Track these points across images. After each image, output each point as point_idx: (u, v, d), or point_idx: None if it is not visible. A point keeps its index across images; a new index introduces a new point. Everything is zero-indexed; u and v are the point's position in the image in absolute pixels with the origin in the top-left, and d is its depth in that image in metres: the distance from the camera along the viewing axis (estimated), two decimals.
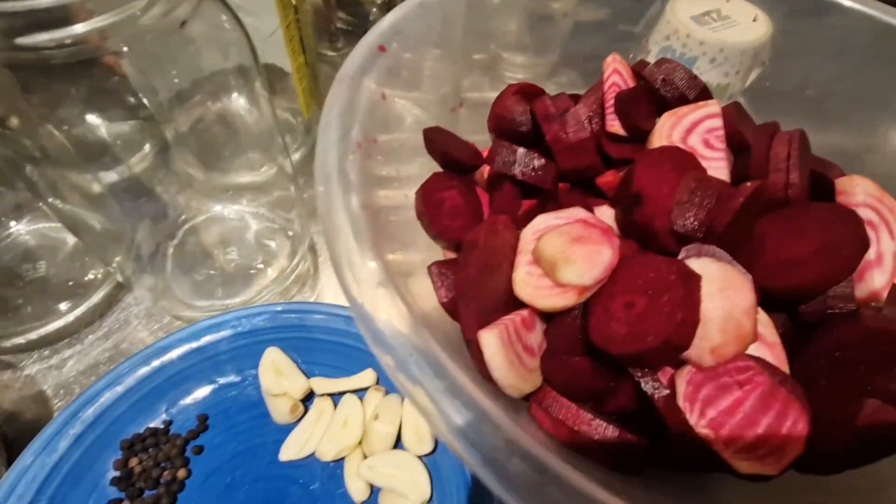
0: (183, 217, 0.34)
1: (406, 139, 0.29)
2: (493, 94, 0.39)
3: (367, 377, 0.27)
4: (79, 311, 0.31)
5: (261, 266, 0.33)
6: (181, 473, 0.24)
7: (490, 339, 0.20)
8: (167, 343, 0.27)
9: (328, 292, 0.34)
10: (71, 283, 0.32)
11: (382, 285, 0.17)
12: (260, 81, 0.27)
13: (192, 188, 0.35)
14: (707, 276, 0.21)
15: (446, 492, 0.24)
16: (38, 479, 0.23)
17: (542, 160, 0.26)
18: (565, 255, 0.22)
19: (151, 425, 0.26)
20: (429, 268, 0.24)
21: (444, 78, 0.35)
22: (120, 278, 0.30)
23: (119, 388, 0.26)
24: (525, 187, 0.27)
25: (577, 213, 0.25)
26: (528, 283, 0.23)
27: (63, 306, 0.31)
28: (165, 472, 0.24)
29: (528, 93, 0.31)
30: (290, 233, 0.34)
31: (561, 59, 0.42)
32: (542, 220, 0.25)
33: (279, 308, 0.29)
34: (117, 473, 0.24)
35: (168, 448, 0.25)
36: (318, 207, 0.18)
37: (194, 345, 0.28)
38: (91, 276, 0.32)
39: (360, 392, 0.27)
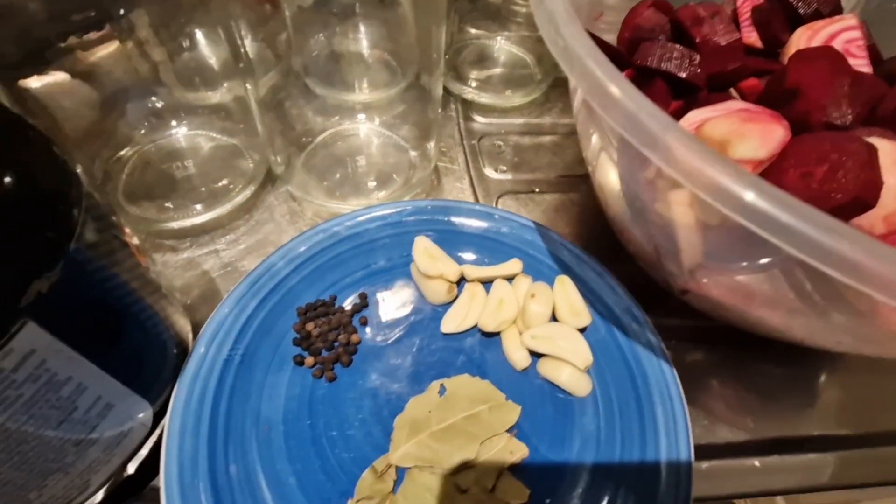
0: (320, 127, 0.36)
1: None
2: None
3: (514, 266, 0.29)
4: (227, 207, 0.33)
5: (387, 177, 0.35)
6: (354, 338, 0.26)
7: None
8: (327, 226, 0.29)
9: None
10: (215, 184, 0.33)
11: None
12: None
13: (327, 103, 0.37)
14: (880, 149, 0.22)
15: (602, 363, 0.26)
16: (234, 330, 0.25)
17: (698, 57, 0.27)
18: (739, 132, 0.23)
19: (320, 297, 0.27)
20: None
21: None
22: (279, 170, 0.32)
23: (290, 264, 0.28)
24: (674, 86, 0.28)
25: (735, 104, 0.26)
26: None
27: (211, 201, 0.32)
28: (340, 336, 0.26)
29: (662, 6, 0.32)
30: (427, 144, 0.35)
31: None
32: (696, 114, 0.26)
33: (425, 203, 0.31)
34: (297, 335, 0.26)
35: (339, 317, 0.27)
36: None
37: (350, 231, 0.29)
38: (224, 182, 0.34)
39: (508, 280, 0.29)
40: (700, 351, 0.30)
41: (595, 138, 0.28)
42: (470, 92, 0.43)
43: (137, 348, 0.20)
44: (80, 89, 0.34)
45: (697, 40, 0.28)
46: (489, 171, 0.38)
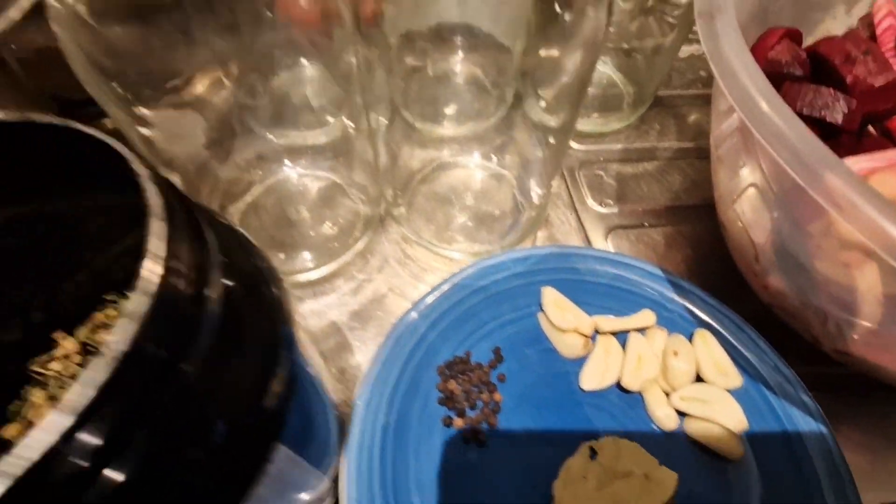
0: (425, 164, 0.36)
1: None
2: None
3: (647, 317, 0.29)
4: (348, 256, 0.33)
5: (496, 218, 0.34)
6: (497, 396, 0.26)
7: None
8: (458, 279, 0.29)
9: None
10: (332, 231, 0.34)
11: None
12: None
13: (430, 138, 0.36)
14: None
15: (754, 424, 0.25)
16: (385, 394, 0.25)
17: (853, 102, 0.26)
18: None
19: (456, 353, 0.28)
20: None
21: None
22: (398, 212, 0.31)
23: (426, 320, 0.28)
24: (821, 129, 0.27)
25: None
26: None
27: (331, 250, 0.33)
28: (483, 395, 0.26)
29: (793, 36, 0.31)
30: (550, 183, 0.34)
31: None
32: (856, 163, 0.25)
33: (548, 251, 0.31)
34: (442, 395, 0.26)
35: (478, 374, 0.27)
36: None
37: (479, 282, 0.29)
38: (339, 228, 0.34)
39: (640, 332, 0.28)
40: (840, 401, 0.29)
41: (745, 172, 0.27)
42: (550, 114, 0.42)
43: (311, 414, 0.21)
44: (185, 120, 0.34)
45: (848, 80, 0.27)
46: (593, 205, 0.37)
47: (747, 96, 0.20)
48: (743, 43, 0.21)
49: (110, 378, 0.09)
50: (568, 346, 0.28)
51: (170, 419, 0.11)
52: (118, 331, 0.10)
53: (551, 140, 0.32)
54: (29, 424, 0.19)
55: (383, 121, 0.33)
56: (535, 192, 0.33)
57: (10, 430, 0.19)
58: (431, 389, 0.26)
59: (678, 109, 0.44)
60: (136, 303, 0.10)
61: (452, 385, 0.26)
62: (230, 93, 0.34)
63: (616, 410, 0.26)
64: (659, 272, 0.30)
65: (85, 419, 0.09)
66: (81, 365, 0.22)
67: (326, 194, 0.35)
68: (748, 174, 0.27)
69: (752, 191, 0.27)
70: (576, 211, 0.37)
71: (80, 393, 0.09)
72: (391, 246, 0.34)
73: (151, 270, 0.11)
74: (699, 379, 0.27)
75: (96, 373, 0.09)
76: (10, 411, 0.21)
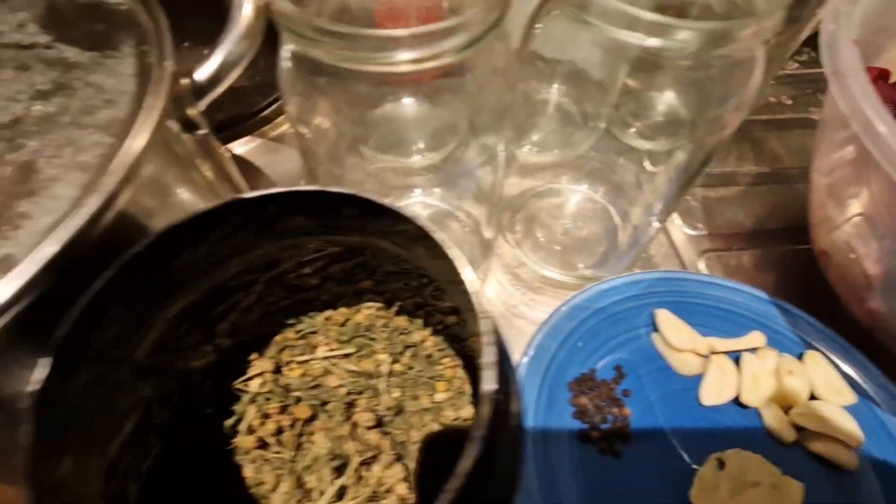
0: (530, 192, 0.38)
1: None
2: None
3: (756, 338, 0.31)
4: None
5: (607, 242, 0.37)
6: (625, 411, 0.29)
7: None
8: (580, 302, 0.32)
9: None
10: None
11: None
12: None
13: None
14: None
15: (872, 441, 0.28)
16: (529, 409, 0.28)
17: None
18: None
19: (581, 371, 0.30)
20: None
21: None
22: (514, 238, 0.34)
23: (554, 340, 0.30)
24: None
25: None
26: None
27: None
28: (612, 409, 0.29)
29: (883, 76, 0.33)
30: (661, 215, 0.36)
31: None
32: None
33: (656, 276, 0.33)
34: (575, 409, 0.29)
35: (605, 390, 0.29)
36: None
37: (598, 304, 0.32)
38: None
39: (751, 352, 0.31)
40: None
41: (854, 202, 0.29)
42: (646, 143, 0.44)
43: None
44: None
45: None
46: (683, 227, 0.40)
47: (886, 147, 0.22)
48: (877, 99, 0.24)
49: (490, 412, 0.12)
50: (685, 364, 0.30)
51: (489, 443, 0.14)
52: (487, 375, 0.13)
53: (674, 179, 0.35)
54: (259, 440, 0.22)
55: (514, 149, 0.36)
56: (652, 225, 0.35)
57: (246, 443, 0.22)
58: (565, 405, 0.29)
59: (752, 134, 0.46)
60: (489, 353, 0.13)
61: (584, 400, 0.29)
62: (344, 122, 0.37)
63: (735, 424, 0.29)
64: (764, 296, 0.32)
65: (487, 442, 0.12)
66: (276, 382, 0.25)
67: (439, 221, 0.38)
68: (857, 204, 0.29)
69: (858, 220, 0.29)
70: (668, 234, 0.39)
71: (480, 426, 0.12)
72: (503, 269, 0.37)
73: (489, 326, 0.13)
74: (812, 396, 0.29)
75: (483, 409, 0.12)
76: (228, 426, 0.24)
